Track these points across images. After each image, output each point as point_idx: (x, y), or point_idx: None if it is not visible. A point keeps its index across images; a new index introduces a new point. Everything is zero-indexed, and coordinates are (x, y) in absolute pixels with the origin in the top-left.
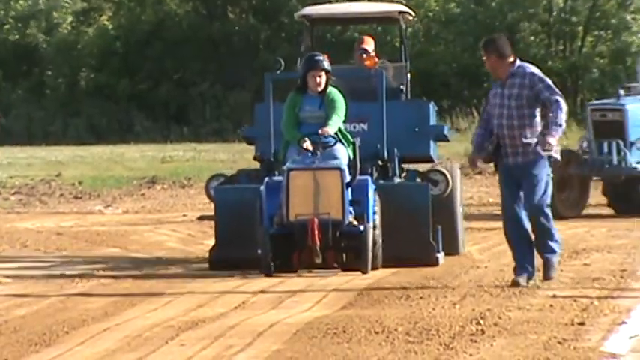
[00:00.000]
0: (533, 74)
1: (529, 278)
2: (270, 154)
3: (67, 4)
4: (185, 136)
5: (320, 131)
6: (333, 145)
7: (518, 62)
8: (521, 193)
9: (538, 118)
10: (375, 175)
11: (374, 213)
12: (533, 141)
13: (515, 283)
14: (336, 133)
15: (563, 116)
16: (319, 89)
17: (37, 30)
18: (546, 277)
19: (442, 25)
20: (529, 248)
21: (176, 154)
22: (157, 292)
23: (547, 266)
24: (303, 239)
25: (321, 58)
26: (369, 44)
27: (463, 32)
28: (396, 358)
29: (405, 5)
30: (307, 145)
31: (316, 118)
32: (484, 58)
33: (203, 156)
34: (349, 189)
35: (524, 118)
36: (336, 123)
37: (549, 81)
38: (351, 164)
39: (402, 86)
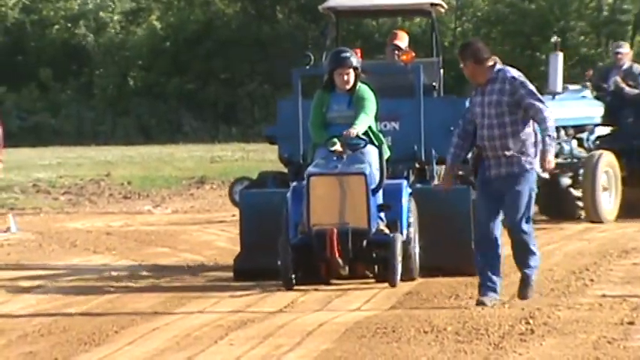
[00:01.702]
0: (514, 79)
1: (494, 298)
2: (297, 154)
3: (115, 5)
4: (233, 136)
5: (344, 133)
6: (364, 147)
7: (498, 66)
8: (499, 209)
9: (521, 126)
10: (412, 178)
11: (408, 224)
12: (517, 151)
13: (480, 303)
14: (367, 134)
15: (551, 125)
16: (347, 87)
17: (86, 30)
18: (523, 295)
19: (491, 25)
20: (497, 269)
21: (224, 154)
22: (206, 291)
23: (525, 283)
24: (321, 251)
25: (348, 54)
26: (402, 39)
27: (512, 32)
28: (445, 358)
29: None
30: (337, 147)
31: (345, 118)
32: (461, 65)
33: (252, 156)
34: (377, 194)
35: (505, 126)
36: (363, 123)
37: (532, 87)
38: (380, 167)
39: (434, 83)
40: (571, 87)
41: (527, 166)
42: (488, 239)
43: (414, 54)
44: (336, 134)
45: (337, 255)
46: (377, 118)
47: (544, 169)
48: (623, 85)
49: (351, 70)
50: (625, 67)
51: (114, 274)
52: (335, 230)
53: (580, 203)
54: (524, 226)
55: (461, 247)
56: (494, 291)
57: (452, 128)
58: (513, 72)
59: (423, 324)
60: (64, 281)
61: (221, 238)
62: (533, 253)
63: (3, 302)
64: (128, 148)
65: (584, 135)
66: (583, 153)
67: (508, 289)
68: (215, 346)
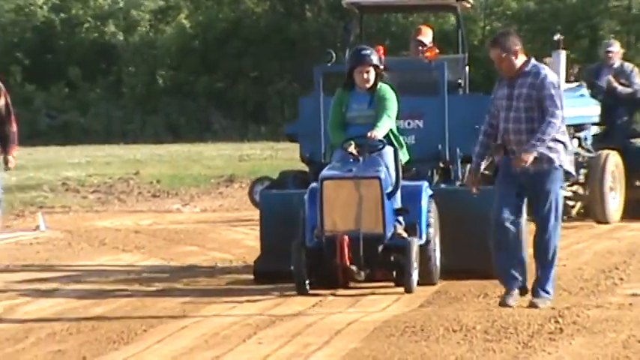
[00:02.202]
0: (546, 77)
1: (522, 292)
2: (319, 154)
3: (145, 3)
4: (262, 134)
5: (369, 134)
6: (382, 149)
7: (533, 62)
8: (518, 202)
9: None
10: (436, 178)
11: (427, 225)
12: (547, 147)
13: (503, 304)
14: (387, 136)
15: (550, 132)
16: (367, 86)
17: (116, 28)
18: (533, 304)
19: (520, 23)
20: (521, 267)
21: (253, 152)
22: (235, 290)
23: (537, 297)
24: (332, 257)
25: (368, 52)
26: (427, 35)
27: (542, 29)
28: (474, 357)
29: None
30: (352, 148)
31: (365, 118)
32: (492, 56)
33: (280, 154)
34: (394, 197)
35: (533, 121)
36: (385, 124)
37: (560, 92)
38: (396, 170)
39: (459, 80)
40: (567, 85)
41: (556, 163)
42: (509, 237)
43: (438, 51)
44: (356, 135)
45: (348, 262)
46: (397, 117)
47: (516, 164)
48: (615, 84)
49: (372, 69)
50: (616, 65)
51: (143, 272)
52: (346, 237)
53: (571, 202)
54: (554, 226)
55: (484, 249)
56: (519, 291)
57: (477, 126)
58: (547, 71)
59: (451, 323)
60: (92, 280)
61: (249, 237)
62: (556, 253)
63: (32, 301)
64: (157, 146)
65: (582, 134)
66: (583, 152)
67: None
68: (243, 344)
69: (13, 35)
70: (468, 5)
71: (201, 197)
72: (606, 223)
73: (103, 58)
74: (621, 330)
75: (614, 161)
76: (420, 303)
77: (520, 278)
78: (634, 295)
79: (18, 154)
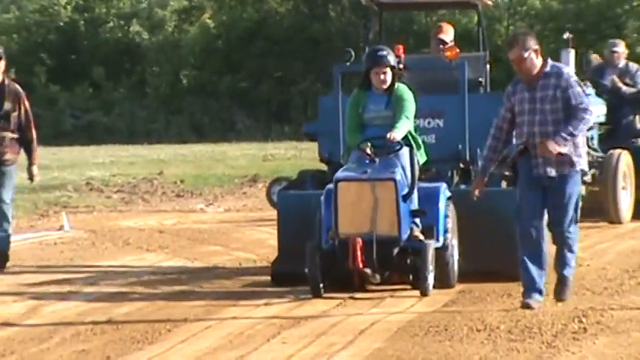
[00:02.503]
0: (569, 76)
1: (539, 300)
2: (337, 154)
3: (169, 3)
4: (286, 134)
5: (388, 135)
6: (399, 150)
7: (551, 62)
8: (541, 205)
9: None
10: (456, 179)
11: (445, 230)
12: (568, 150)
13: (525, 306)
14: (405, 137)
15: (582, 127)
16: (384, 87)
17: (140, 28)
18: (560, 297)
19: (544, 23)
20: (543, 269)
21: (277, 152)
22: (259, 290)
23: (563, 284)
24: (345, 260)
25: (385, 52)
26: (448, 33)
27: (567, 28)
28: (497, 357)
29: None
30: (368, 150)
31: (382, 119)
32: (511, 58)
33: (304, 154)
34: (410, 199)
35: (559, 123)
36: (404, 126)
37: (585, 89)
38: (412, 171)
39: (480, 79)
40: None
41: (578, 167)
42: (534, 238)
43: (458, 50)
44: (373, 136)
45: (361, 265)
46: (416, 116)
47: (540, 152)
48: (620, 84)
49: (388, 70)
50: (620, 65)
51: (167, 272)
52: (359, 239)
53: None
54: (572, 229)
55: (507, 251)
56: (540, 292)
57: None
58: (568, 69)
59: (475, 322)
60: (116, 280)
61: (273, 237)
62: (574, 255)
63: (56, 301)
64: (181, 146)
65: (589, 134)
66: (591, 152)
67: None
68: (267, 344)
69: (37, 36)
70: (490, 3)
71: (225, 197)
72: (619, 222)
73: (126, 57)
74: None
75: (625, 161)
76: (444, 303)
77: (542, 280)
78: None
79: (42, 153)
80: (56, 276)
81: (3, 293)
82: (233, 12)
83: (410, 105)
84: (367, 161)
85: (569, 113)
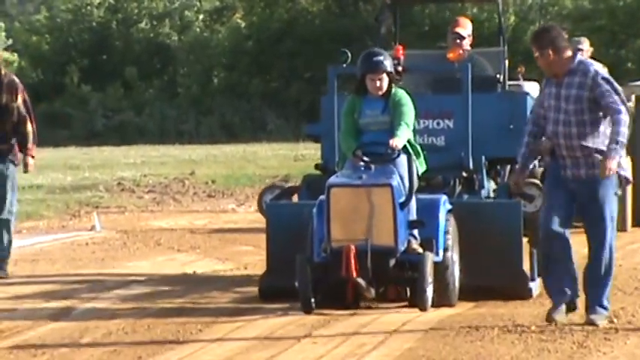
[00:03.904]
0: (597, 73)
1: (570, 307)
2: (333, 161)
3: (200, 4)
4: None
5: (390, 142)
6: (396, 157)
7: (579, 57)
8: (569, 211)
9: (602, 126)
10: (459, 188)
11: (445, 248)
12: (596, 152)
13: (550, 319)
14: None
15: (624, 130)
16: (380, 93)
17: (171, 29)
18: (591, 322)
19: (576, 22)
20: (568, 271)
21: (308, 152)
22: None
23: (594, 313)
24: (337, 270)
25: (380, 57)
26: (465, 27)
27: (598, 28)
28: (529, 357)
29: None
30: (359, 153)
31: (379, 124)
32: (536, 54)
33: None
34: (407, 208)
35: (584, 125)
36: (405, 134)
37: (616, 85)
38: (410, 180)
39: (498, 75)
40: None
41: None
42: (559, 248)
43: (462, 51)
44: (369, 141)
45: (355, 275)
46: (422, 117)
47: (601, 175)
48: None
49: (384, 75)
50: None
51: (198, 272)
52: (353, 247)
53: None
54: (610, 236)
55: (509, 267)
56: (567, 296)
57: (511, 126)
58: (597, 65)
59: (506, 323)
60: (148, 280)
61: None
62: (612, 265)
63: (87, 300)
64: (212, 146)
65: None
66: None
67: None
68: (298, 344)
69: (70, 36)
70: None
71: (256, 197)
72: (624, 230)
73: (158, 58)
74: None
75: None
76: (475, 303)
77: (569, 292)
78: None
79: (74, 153)
80: (87, 276)
81: (34, 293)
82: (263, 12)
83: (409, 111)
84: (363, 167)
85: (600, 115)
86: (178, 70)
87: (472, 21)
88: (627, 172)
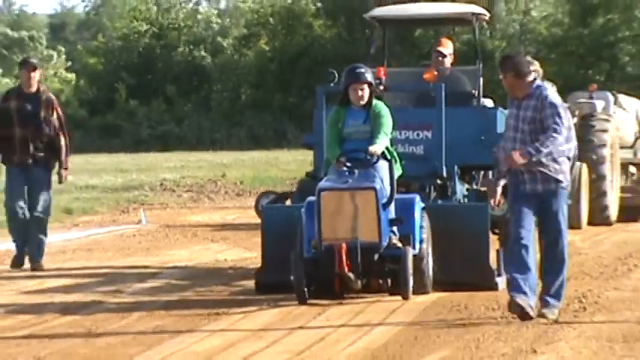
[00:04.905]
0: (547, 97)
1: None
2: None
3: (230, 31)
4: None
5: (370, 149)
6: (375, 163)
7: (537, 82)
8: (532, 224)
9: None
10: (434, 194)
11: (421, 240)
12: (551, 168)
13: (515, 307)
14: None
15: (547, 144)
16: (362, 103)
17: (205, 52)
18: (542, 315)
19: (550, 48)
20: (529, 271)
21: None
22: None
23: (546, 307)
24: (331, 266)
25: (362, 70)
26: (447, 46)
27: (569, 53)
28: (510, 331)
29: (483, 7)
30: (342, 159)
31: (361, 133)
32: (501, 77)
33: None
34: (388, 208)
35: None
36: (383, 141)
37: (560, 110)
38: (390, 183)
39: (474, 91)
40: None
41: (563, 184)
42: (525, 251)
43: (436, 72)
44: (352, 148)
45: (347, 270)
46: (401, 128)
47: (505, 163)
48: None
49: (366, 86)
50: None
51: (228, 259)
52: (344, 245)
53: None
54: (562, 241)
55: (477, 263)
56: (529, 296)
57: (482, 138)
58: (549, 91)
59: (491, 303)
60: (186, 266)
61: None
62: (564, 266)
63: (135, 283)
64: (240, 153)
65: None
66: None
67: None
68: (313, 321)
69: (120, 59)
70: (485, 18)
71: None
72: (579, 227)
73: (194, 77)
74: (636, 309)
75: (585, 172)
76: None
77: (529, 289)
78: None
79: (123, 159)
80: (135, 262)
81: (90, 277)
82: (284, 38)
83: (388, 121)
84: (347, 173)
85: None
86: (212, 88)
87: (453, 42)
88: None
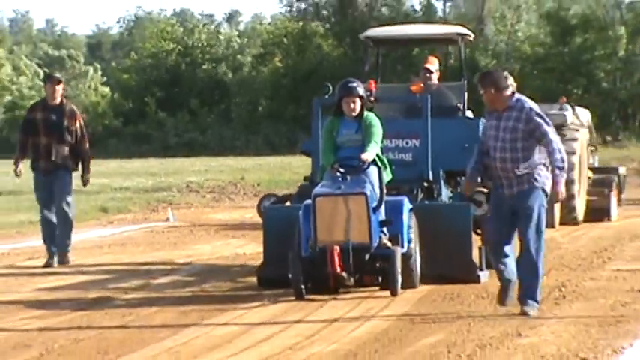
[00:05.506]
0: (530, 109)
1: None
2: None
3: (249, 50)
4: None
5: (362, 156)
6: (366, 169)
7: (516, 95)
8: (512, 230)
9: (532, 152)
10: (421, 196)
11: (409, 240)
12: (527, 172)
13: (503, 303)
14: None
15: (559, 157)
16: (354, 114)
17: (226, 69)
18: (524, 312)
19: (533, 65)
20: (512, 270)
21: None
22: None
23: (526, 305)
24: (325, 266)
25: (355, 84)
26: (433, 63)
27: (549, 69)
28: (498, 317)
29: (467, 28)
30: (336, 166)
31: (354, 142)
32: (481, 92)
33: None
34: (378, 211)
35: (517, 151)
36: (374, 149)
37: (546, 118)
38: (380, 187)
39: (458, 104)
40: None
41: (537, 184)
42: (504, 253)
43: (422, 84)
44: (346, 156)
45: (340, 270)
46: (392, 137)
47: (556, 200)
48: None
49: (358, 99)
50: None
51: (246, 253)
52: (337, 247)
53: None
54: (537, 242)
55: (461, 259)
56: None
57: (466, 145)
58: (530, 103)
59: (480, 291)
60: (208, 259)
61: None
62: (539, 266)
63: (162, 274)
64: (258, 158)
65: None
66: None
67: (546, 265)
68: (321, 309)
69: (150, 75)
70: (470, 39)
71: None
72: (552, 227)
73: (216, 91)
74: (609, 296)
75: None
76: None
77: (513, 273)
78: (618, 270)
79: (153, 164)
80: (163, 256)
81: (123, 269)
82: (297, 56)
83: (378, 131)
84: (340, 179)
85: (531, 143)
86: (232, 101)
87: (440, 60)
88: (547, 187)
